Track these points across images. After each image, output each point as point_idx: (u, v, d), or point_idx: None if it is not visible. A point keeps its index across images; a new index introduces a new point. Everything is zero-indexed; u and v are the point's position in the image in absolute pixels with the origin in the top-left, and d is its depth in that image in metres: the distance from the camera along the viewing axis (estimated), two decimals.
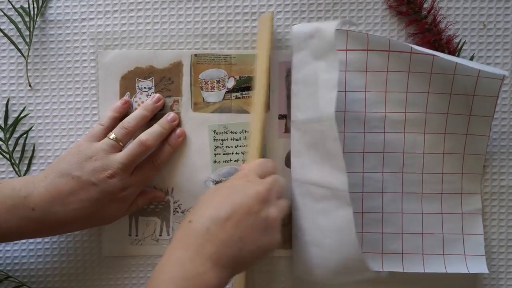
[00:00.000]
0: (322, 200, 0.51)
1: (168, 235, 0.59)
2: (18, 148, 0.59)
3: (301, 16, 0.58)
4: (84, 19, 0.59)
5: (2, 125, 0.59)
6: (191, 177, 0.59)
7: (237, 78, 0.58)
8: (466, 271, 0.56)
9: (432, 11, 0.57)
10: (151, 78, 0.58)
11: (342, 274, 0.52)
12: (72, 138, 0.59)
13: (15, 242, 0.60)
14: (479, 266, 0.56)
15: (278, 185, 0.49)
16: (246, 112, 0.58)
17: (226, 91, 0.58)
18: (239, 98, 0.58)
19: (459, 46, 0.57)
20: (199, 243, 0.43)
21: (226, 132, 0.58)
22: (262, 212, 0.45)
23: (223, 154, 0.59)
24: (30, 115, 0.59)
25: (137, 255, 0.60)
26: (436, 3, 0.57)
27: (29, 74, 0.59)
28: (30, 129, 0.59)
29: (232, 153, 0.59)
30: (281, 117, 0.58)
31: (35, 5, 0.58)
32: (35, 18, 0.58)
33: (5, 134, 0.59)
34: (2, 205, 0.49)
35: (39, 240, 0.60)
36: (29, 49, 0.59)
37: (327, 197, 0.51)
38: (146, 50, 0.58)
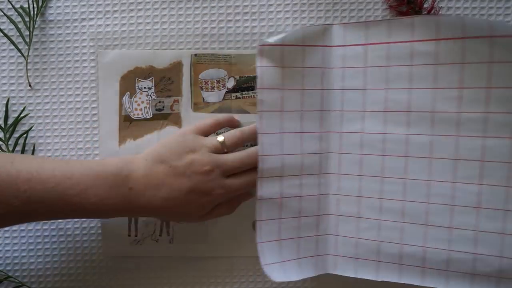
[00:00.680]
0: None
1: (168, 235, 0.59)
2: (18, 148, 0.59)
3: (301, 16, 0.58)
4: (84, 19, 0.59)
5: (2, 125, 0.59)
6: None
7: (237, 78, 0.58)
8: None
9: (432, 11, 0.57)
10: (151, 78, 0.58)
11: None
12: (72, 138, 0.59)
13: (15, 242, 0.60)
14: None
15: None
16: (246, 112, 0.58)
17: (226, 91, 0.58)
18: (239, 98, 0.58)
19: None
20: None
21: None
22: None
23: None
24: (30, 115, 0.59)
25: (137, 256, 0.60)
26: (436, 3, 0.57)
27: (29, 74, 0.59)
28: (30, 129, 0.59)
29: None
30: None
31: (35, 5, 0.58)
32: (35, 18, 0.58)
33: (5, 134, 0.59)
34: (106, 180, 0.50)
35: (39, 240, 0.60)
36: (29, 49, 0.59)
37: None
38: (146, 50, 0.58)
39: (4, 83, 0.59)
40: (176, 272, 0.60)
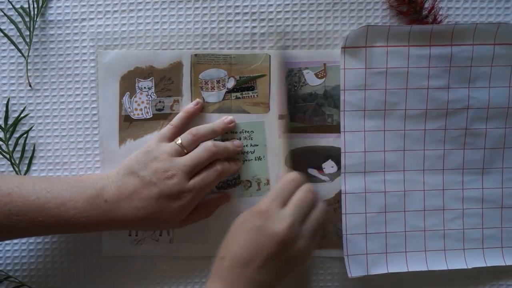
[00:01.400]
0: None
1: (168, 235, 0.59)
2: (18, 148, 0.59)
3: (301, 16, 0.58)
4: (84, 19, 0.59)
5: (2, 125, 0.59)
6: None
7: (237, 78, 0.58)
8: None
9: (433, 10, 0.57)
10: (151, 78, 0.58)
11: None
12: (72, 138, 0.59)
13: (15, 242, 0.60)
14: None
15: (301, 208, 0.51)
16: (246, 112, 0.58)
17: (226, 91, 0.58)
18: (239, 98, 0.58)
19: None
20: (233, 278, 0.48)
21: (226, 132, 0.58)
22: (285, 252, 0.48)
23: None
24: (30, 115, 0.59)
25: (137, 255, 0.60)
26: (437, 3, 0.57)
27: (29, 74, 0.59)
28: (30, 129, 0.59)
29: None
30: (281, 117, 0.58)
31: (35, 5, 0.58)
32: (35, 18, 0.58)
33: (5, 134, 0.59)
34: (83, 194, 0.51)
35: (39, 240, 0.60)
36: (29, 49, 0.59)
37: None
38: (146, 50, 0.58)
39: (4, 83, 0.59)
40: (176, 272, 0.60)
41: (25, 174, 0.59)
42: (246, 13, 0.58)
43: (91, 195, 0.51)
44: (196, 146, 0.55)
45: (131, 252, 0.60)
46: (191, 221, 0.56)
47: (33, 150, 0.59)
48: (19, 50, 0.58)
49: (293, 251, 0.48)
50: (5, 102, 0.59)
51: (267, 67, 0.58)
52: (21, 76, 0.59)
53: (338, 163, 0.58)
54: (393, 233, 0.58)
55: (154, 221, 0.53)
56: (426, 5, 0.57)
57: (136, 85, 0.58)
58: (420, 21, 0.57)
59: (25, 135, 0.59)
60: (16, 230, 0.50)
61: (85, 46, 0.59)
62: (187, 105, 0.58)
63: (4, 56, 0.59)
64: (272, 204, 0.50)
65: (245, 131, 0.59)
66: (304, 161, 0.58)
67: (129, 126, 0.59)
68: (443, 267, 0.58)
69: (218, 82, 0.58)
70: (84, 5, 0.58)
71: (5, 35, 0.58)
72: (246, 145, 0.59)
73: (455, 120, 0.57)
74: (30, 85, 0.59)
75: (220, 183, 0.59)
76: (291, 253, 0.48)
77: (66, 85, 0.59)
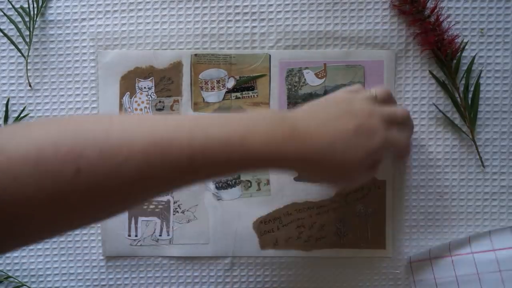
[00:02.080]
0: None
1: (168, 235, 0.59)
2: None
3: (301, 16, 0.58)
4: (84, 19, 0.59)
5: (2, 125, 0.59)
6: None
7: (237, 78, 0.58)
8: None
9: (436, 10, 0.56)
10: (151, 78, 0.58)
11: None
12: None
13: None
14: None
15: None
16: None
17: (226, 91, 0.58)
18: (239, 98, 0.58)
19: (461, 47, 0.57)
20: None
21: None
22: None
23: None
24: (30, 115, 0.59)
25: (137, 256, 0.60)
26: (439, 2, 0.57)
27: (29, 74, 0.59)
28: None
29: None
30: None
31: (35, 5, 0.58)
32: (35, 18, 0.58)
33: None
34: (268, 120, 0.42)
35: None
36: (29, 49, 0.59)
37: None
38: (146, 50, 0.58)
39: (4, 83, 0.59)
40: (176, 272, 0.60)
41: None
42: (246, 13, 0.58)
43: (277, 120, 0.42)
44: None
45: (131, 252, 0.60)
46: (372, 174, 0.49)
47: None
48: (19, 50, 0.58)
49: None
50: (5, 102, 0.59)
51: (267, 67, 0.58)
52: (21, 76, 0.59)
53: None
54: None
55: (345, 162, 0.44)
56: (429, 5, 0.57)
57: (136, 85, 0.58)
58: (422, 21, 0.56)
59: None
60: (199, 172, 0.40)
61: (85, 46, 0.59)
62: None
63: (4, 56, 0.59)
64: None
65: None
66: None
67: None
68: None
69: (218, 82, 0.58)
70: (84, 5, 0.58)
71: (5, 35, 0.58)
72: None
73: None
74: (30, 85, 0.59)
75: (220, 182, 0.59)
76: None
77: (66, 85, 0.59)
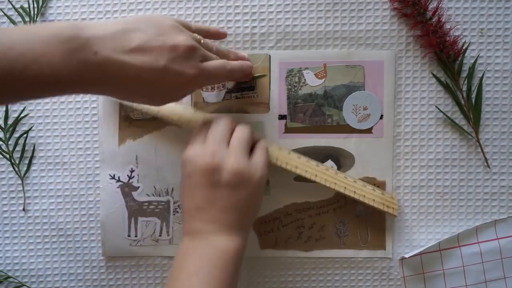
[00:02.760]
0: None
1: (168, 235, 0.59)
2: (18, 148, 0.59)
3: (301, 16, 0.58)
4: (84, 19, 0.59)
5: (2, 125, 0.59)
6: None
7: None
8: None
9: (437, 12, 0.56)
10: None
11: None
12: (72, 138, 0.59)
13: (15, 242, 0.60)
14: None
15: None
16: (246, 112, 0.58)
17: (226, 91, 0.58)
18: (239, 98, 0.58)
19: (464, 48, 0.57)
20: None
21: None
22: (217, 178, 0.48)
23: None
24: (30, 115, 0.59)
25: (136, 256, 0.60)
26: (441, 4, 0.57)
27: None
28: (30, 129, 0.59)
29: None
30: (281, 117, 0.58)
31: (35, 5, 0.58)
32: (35, 18, 0.58)
33: (5, 134, 0.59)
34: (61, 46, 0.39)
35: (39, 240, 0.60)
36: None
37: None
38: None
39: None
40: None
41: (24, 174, 0.59)
42: (246, 13, 0.58)
43: (73, 46, 0.40)
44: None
45: (130, 252, 0.60)
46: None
47: (33, 150, 0.59)
48: None
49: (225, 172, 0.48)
50: None
51: (267, 67, 0.58)
52: None
53: (337, 163, 0.58)
54: None
55: (151, 88, 0.45)
56: (430, 7, 0.57)
57: None
58: (424, 23, 0.56)
59: (25, 135, 0.59)
60: None
61: None
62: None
63: None
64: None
65: None
66: None
67: (129, 126, 0.59)
68: None
69: None
70: (84, 5, 0.58)
71: None
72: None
73: None
74: None
75: None
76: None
77: None
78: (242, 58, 0.55)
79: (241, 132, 0.51)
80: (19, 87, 0.39)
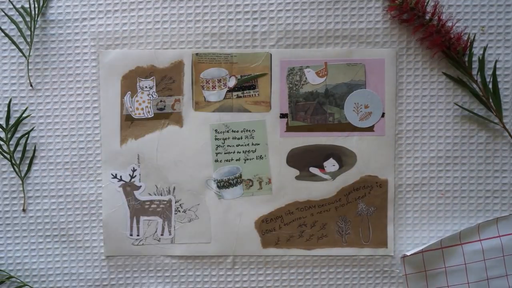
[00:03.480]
0: None
1: (170, 234, 0.59)
2: (19, 148, 0.59)
3: (302, 15, 0.58)
4: (85, 18, 0.59)
5: (4, 126, 0.59)
6: (192, 176, 0.59)
7: (238, 77, 0.58)
8: None
9: (436, 12, 0.56)
10: (152, 78, 0.58)
11: None
12: (74, 138, 0.59)
13: (17, 242, 0.60)
14: None
15: None
16: (247, 111, 0.58)
17: (228, 90, 0.58)
18: (241, 97, 0.58)
19: (470, 41, 0.57)
20: None
21: (228, 131, 0.58)
22: None
23: (225, 153, 0.59)
24: (31, 115, 0.59)
25: (138, 255, 0.60)
26: (438, 4, 0.56)
27: (30, 74, 0.59)
28: (31, 129, 0.59)
29: (234, 152, 0.59)
30: (282, 116, 0.58)
31: (36, 5, 0.58)
32: (36, 18, 0.58)
33: (6, 135, 0.59)
34: None
35: (41, 240, 0.60)
36: (30, 49, 0.58)
37: None
38: (147, 50, 0.58)
39: (6, 83, 0.59)
40: (178, 272, 0.60)
41: (25, 174, 0.59)
42: (247, 12, 0.58)
43: None
44: None
45: (132, 252, 0.60)
46: None
47: (34, 150, 0.59)
48: (20, 50, 0.58)
49: None
50: (7, 102, 0.59)
51: (268, 66, 0.58)
52: (22, 76, 0.59)
53: (339, 161, 0.58)
54: None
55: None
56: (428, 8, 0.57)
57: (138, 84, 0.58)
58: (425, 26, 0.56)
59: (26, 136, 0.59)
60: None
61: (86, 46, 0.59)
62: None
63: (5, 56, 0.59)
64: None
65: (247, 130, 0.58)
66: (305, 160, 0.58)
67: (130, 125, 0.59)
68: None
69: (219, 81, 0.58)
70: (85, 5, 0.58)
71: (6, 35, 0.58)
72: (248, 144, 0.58)
73: None
74: (31, 85, 0.59)
75: (221, 182, 0.59)
76: None
77: (68, 84, 0.59)
78: None
79: None
80: None
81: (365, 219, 0.59)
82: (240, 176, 0.59)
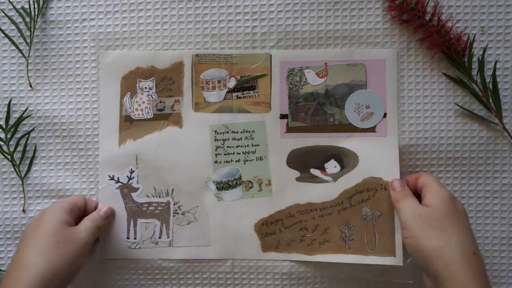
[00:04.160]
0: None
1: (168, 237, 0.58)
2: (19, 148, 0.59)
3: (302, 15, 0.58)
4: (84, 19, 0.59)
5: (4, 126, 0.58)
6: (191, 178, 0.58)
7: (238, 77, 0.58)
8: None
9: (436, 13, 0.56)
10: (152, 78, 0.58)
11: None
12: (73, 139, 0.59)
13: (17, 242, 0.60)
14: None
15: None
16: (247, 112, 0.58)
17: (227, 91, 0.58)
18: (240, 98, 0.58)
19: (470, 42, 0.57)
20: None
21: (227, 132, 0.58)
22: None
23: (224, 154, 0.58)
24: (31, 115, 0.59)
25: (136, 258, 0.59)
26: (438, 5, 0.56)
27: (30, 75, 0.59)
28: (32, 129, 0.59)
29: (233, 153, 0.58)
30: (282, 116, 0.58)
31: (35, 6, 0.58)
32: (35, 19, 0.58)
33: (6, 135, 0.58)
34: None
35: None
36: (30, 50, 0.59)
37: None
38: (147, 51, 0.58)
39: (5, 84, 0.59)
40: (176, 275, 0.59)
41: (25, 175, 0.59)
42: (247, 12, 0.58)
43: None
44: None
45: (129, 255, 0.59)
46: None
47: (34, 151, 0.59)
48: (20, 51, 0.59)
49: None
50: (7, 102, 0.59)
51: (268, 67, 0.58)
52: (22, 77, 0.59)
53: (340, 162, 0.58)
54: None
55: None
56: (428, 9, 0.57)
57: (137, 85, 0.58)
58: (425, 26, 0.56)
59: (26, 136, 0.59)
60: None
61: (86, 47, 0.59)
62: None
63: (5, 57, 0.59)
64: None
65: (246, 131, 0.58)
66: (306, 161, 0.58)
67: (130, 126, 0.58)
68: None
69: (219, 81, 0.58)
70: (84, 5, 0.59)
71: (6, 35, 0.59)
72: (247, 145, 0.58)
73: None
74: (30, 86, 0.59)
75: (220, 183, 0.58)
76: None
77: (67, 85, 0.59)
78: None
79: None
80: None
81: (370, 225, 0.58)
82: (240, 177, 0.58)
